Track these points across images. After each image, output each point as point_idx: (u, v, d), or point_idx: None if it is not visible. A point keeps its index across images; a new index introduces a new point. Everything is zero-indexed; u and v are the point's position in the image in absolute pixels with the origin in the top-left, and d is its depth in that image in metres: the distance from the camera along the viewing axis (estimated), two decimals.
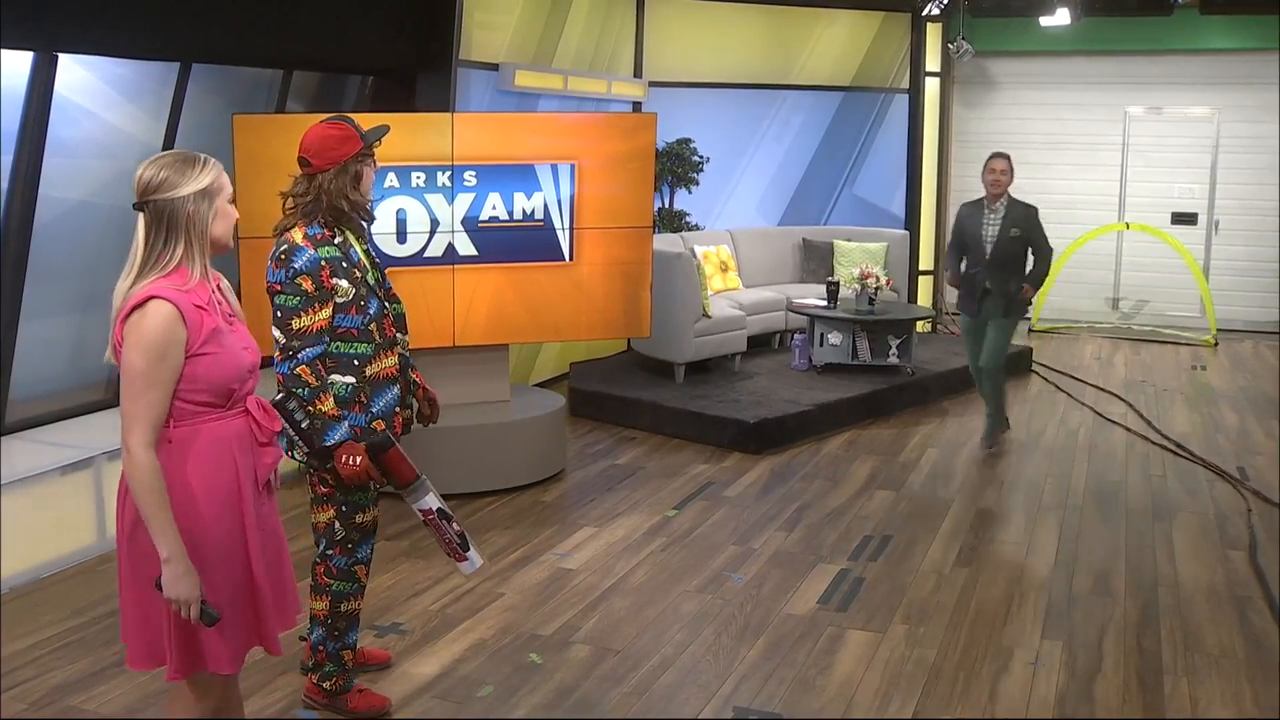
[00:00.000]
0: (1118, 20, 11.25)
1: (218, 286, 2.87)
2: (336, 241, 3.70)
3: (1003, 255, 7.11)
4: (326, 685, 3.97)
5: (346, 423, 3.66)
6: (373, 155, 3.79)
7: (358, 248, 3.80)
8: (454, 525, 3.69)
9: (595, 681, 4.24)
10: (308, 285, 3.58)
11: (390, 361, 3.84)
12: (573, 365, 8.96)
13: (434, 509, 3.67)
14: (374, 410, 3.78)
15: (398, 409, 3.91)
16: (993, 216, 7.17)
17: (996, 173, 7.17)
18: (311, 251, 3.60)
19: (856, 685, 4.23)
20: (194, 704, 2.94)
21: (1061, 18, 10.67)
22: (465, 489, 6.31)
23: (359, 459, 3.61)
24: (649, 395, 7.95)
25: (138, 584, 2.81)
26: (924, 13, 10.84)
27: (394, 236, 6.19)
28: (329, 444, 3.59)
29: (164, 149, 6.02)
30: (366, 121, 3.81)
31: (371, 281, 3.79)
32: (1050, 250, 7.27)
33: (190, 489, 2.77)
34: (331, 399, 3.62)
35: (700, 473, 6.88)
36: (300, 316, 3.59)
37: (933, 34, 11.58)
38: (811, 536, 5.82)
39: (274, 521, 3.01)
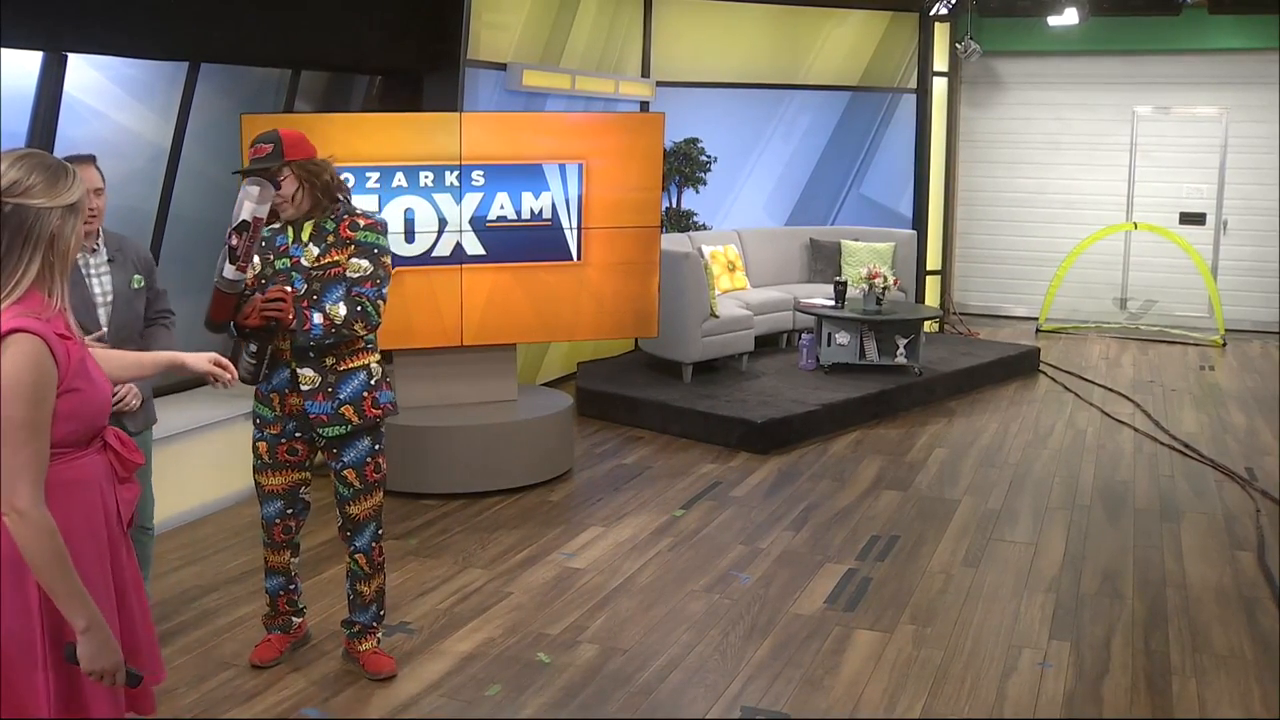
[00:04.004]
0: (1126, 20, 11.24)
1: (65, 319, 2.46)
2: (273, 225, 4.04)
3: (130, 323, 4.17)
4: (263, 619, 4.44)
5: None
6: (251, 176, 3.87)
7: (290, 238, 4.04)
8: (232, 239, 3.78)
9: (602, 681, 4.24)
10: None
11: (284, 345, 4.02)
12: (580, 365, 8.97)
13: (233, 275, 3.82)
14: (272, 383, 4.07)
15: (287, 390, 4.06)
16: (98, 264, 4.12)
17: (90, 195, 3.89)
18: None
19: (864, 685, 4.23)
20: None
21: (1069, 17, 10.67)
22: (472, 488, 6.32)
23: (241, 305, 3.88)
24: (656, 395, 7.95)
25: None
26: (932, 12, 10.83)
27: (402, 236, 6.20)
28: (217, 320, 3.88)
29: (173, 149, 6.04)
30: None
31: (280, 267, 4.01)
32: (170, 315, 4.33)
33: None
34: None
35: (707, 472, 6.88)
36: None
37: (940, 34, 11.58)
38: (819, 536, 5.82)
39: (132, 568, 2.65)
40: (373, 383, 4.12)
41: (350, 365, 4.08)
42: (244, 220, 3.74)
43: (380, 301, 4.04)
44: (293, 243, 4.03)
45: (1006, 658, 4.47)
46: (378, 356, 4.21)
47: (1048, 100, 12.51)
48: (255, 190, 3.74)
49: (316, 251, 4.00)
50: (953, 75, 11.97)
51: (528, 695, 4.13)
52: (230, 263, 3.78)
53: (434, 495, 6.30)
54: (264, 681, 4.17)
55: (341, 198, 4.08)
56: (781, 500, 6.39)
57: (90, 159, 4.02)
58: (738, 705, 4.07)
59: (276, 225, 4.03)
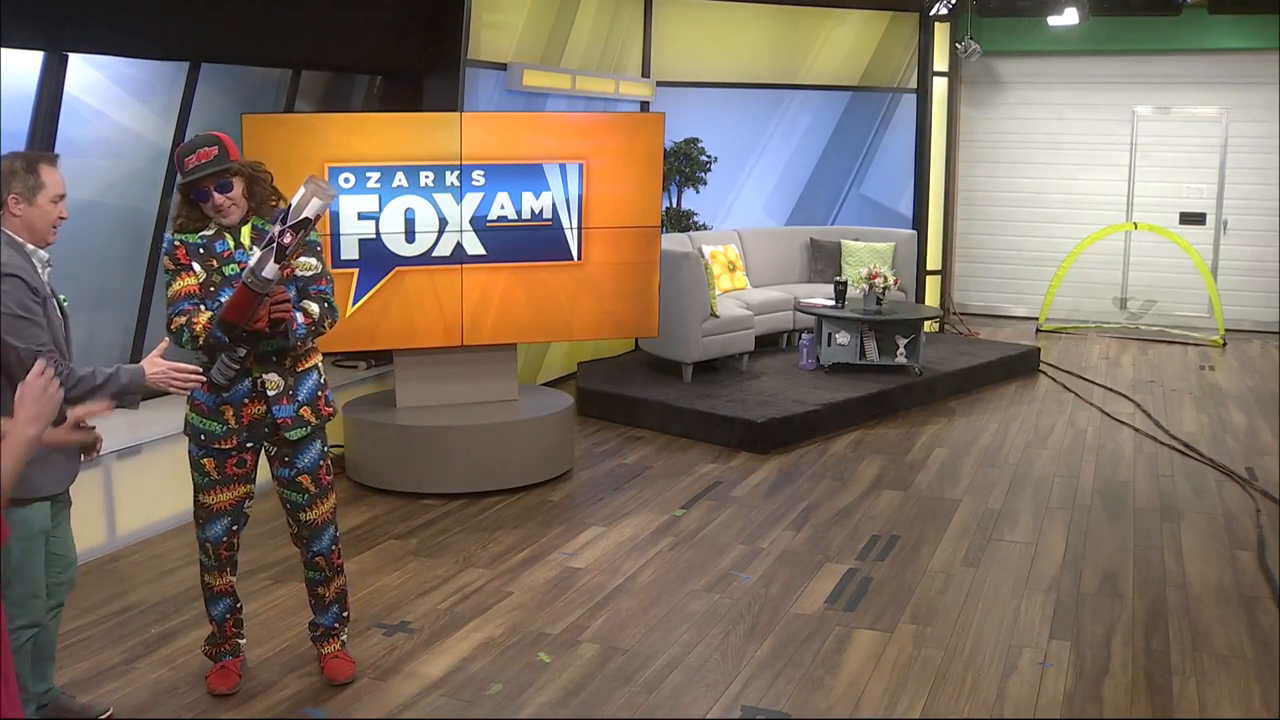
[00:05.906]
0: (1126, 20, 11.24)
1: None
2: (204, 232, 3.89)
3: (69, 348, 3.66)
4: (206, 648, 4.22)
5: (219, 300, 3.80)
6: (195, 188, 3.79)
7: (231, 243, 3.88)
8: (286, 237, 3.63)
9: (603, 680, 4.25)
10: (168, 263, 3.90)
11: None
12: (580, 365, 8.97)
13: (272, 277, 3.66)
14: (224, 396, 3.90)
15: (248, 400, 3.91)
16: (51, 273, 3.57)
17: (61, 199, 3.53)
18: (170, 235, 3.92)
19: (864, 685, 4.23)
20: None
21: (1069, 17, 10.67)
22: (472, 488, 6.32)
23: (258, 307, 3.69)
24: (656, 395, 7.95)
25: None
26: (932, 12, 10.84)
27: (402, 235, 6.20)
28: (235, 322, 3.67)
29: (174, 149, 6.04)
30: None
31: (229, 273, 3.85)
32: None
33: None
34: (203, 312, 3.79)
35: (708, 472, 6.88)
36: (169, 288, 3.88)
37: (940, 34, 11.57)
38: (819, 536, 5.82)
39: None
40: (322, 382, 4.10)
41: (305, 366, 4.03)
42: (305, 217, 3.61)
43: (334, 297, 4.06)
44: (235, 248, 3.86)
45: (1007, 658, 4.47)
46: (321, 355, 4.16)
47: (1048, 100, 12.51)
48: (316, 187, 3.62)
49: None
50: (953, 75, 11.97)
51: (528, 695, 4.13)
52: (275, 261, 3.60)
53: (434, 495, 6.30)
54: (264, 682, 4.17)
55: (277, 198, 3.97)
56: (781, 500, 6.39)
57: (55, 158, 3.57)
58: (738, 705, 4.07)
59: (210, 231, 3.86)
